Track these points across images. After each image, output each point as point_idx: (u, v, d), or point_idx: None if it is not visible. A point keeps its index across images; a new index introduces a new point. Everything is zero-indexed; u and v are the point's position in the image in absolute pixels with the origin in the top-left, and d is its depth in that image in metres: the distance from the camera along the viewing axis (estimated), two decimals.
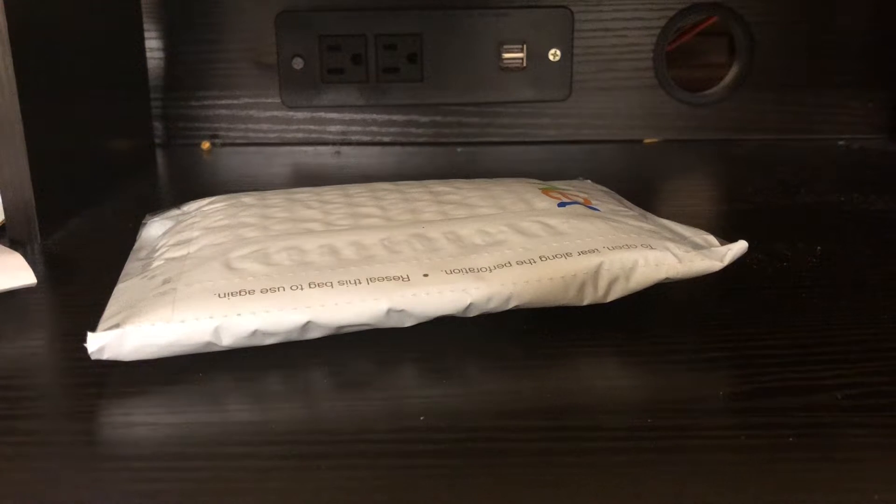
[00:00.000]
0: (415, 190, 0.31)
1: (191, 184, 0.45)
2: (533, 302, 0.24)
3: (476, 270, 0.24)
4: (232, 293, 0.23)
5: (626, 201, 0.32)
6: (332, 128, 0.54)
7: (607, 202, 0.30)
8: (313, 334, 0.23)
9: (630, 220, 0.28)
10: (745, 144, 0.53)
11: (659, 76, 0.53)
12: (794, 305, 0.27)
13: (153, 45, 0.51)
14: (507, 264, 0.24)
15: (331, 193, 0.31)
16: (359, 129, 0.54)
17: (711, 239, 0.27)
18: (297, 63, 0.52)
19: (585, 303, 0.25)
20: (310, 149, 0.53)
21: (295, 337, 0.23)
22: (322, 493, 0.18)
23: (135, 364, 0.22)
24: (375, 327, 0.24)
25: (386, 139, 0.54)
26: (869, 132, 0.54)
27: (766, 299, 0.28)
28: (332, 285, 0.23)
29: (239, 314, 0.22)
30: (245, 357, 0.23)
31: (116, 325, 0.22)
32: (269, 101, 0.53)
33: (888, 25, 0.52)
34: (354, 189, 0.31)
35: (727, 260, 0.26)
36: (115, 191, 0.42)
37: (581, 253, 0.25)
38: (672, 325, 0.26)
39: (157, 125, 0.53)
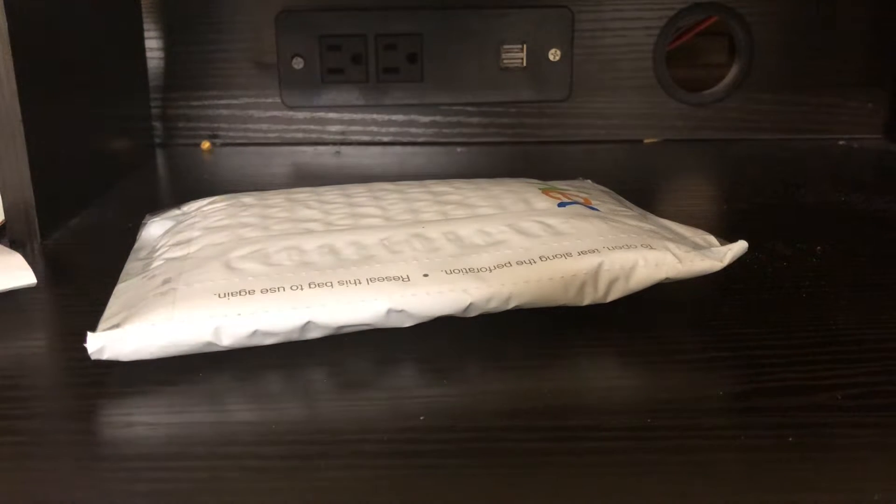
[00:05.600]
0: (415, 190, 0.31)
1: (191, 184, 0.45)
2: (533, 302, 0.24)
3: (476, 270, 0.24)
4: (232, 293, 0.23)
5: (626, 201, 0.32)
6: (332, 128, 0.54)
7: (607, 202, 0.30)
8: (313, 334, 0.23)
9: (630, 220, 0.28)
10: (745, 144, 0.53)
11: (659, 76, 0.53)
12: (795, 305, 0.27)
13: (153, 45, 0.51)
14: (507, 264, 0.24)
15: (331, 193, 0.31)
16: (359, 129, 0.54)
17: (711, 239, 0.27)
18: (297, 63, 0.52)
19: (585, 303, 0.25)
20: (310, 149, 0.53)
21: (295, 337, 0.23)
22: (322, 493, 0.18)
23: (135, 364, 0.22)
24: (375, 327, 0.24)
25: (386, 139, 0.54)
26: (869, 132, 0.54)
27: (766, 299, 0.28)
28: (332, 285, 0.23)
29: (239, 314, 0.22)
30: (245, 357, 0.23)
31: (116, 325, 0.22)
32: (269, 101, 0.53)
33: (888, 25, 0.52)
34: (354, 189, 0.31)
35: (727, 260, 0.26)
36: (115, 191, 0.42)
37: (581, 253, 0.25)
38: (672, 325, 0.26)
39: (157, 125, 0.53)
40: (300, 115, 0.53)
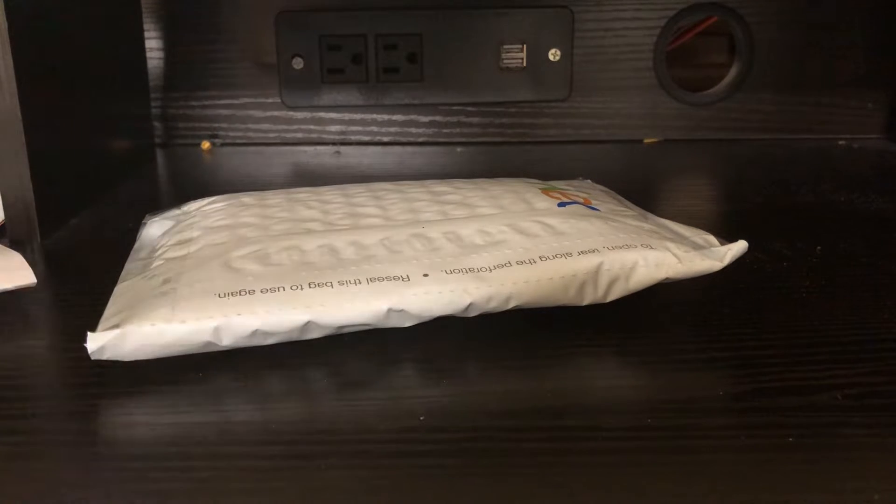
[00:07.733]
0: (415, 190, 0.31)
1: (191, 184, 0.45)
2: (533, 302, 0.24)
3: (476, 270, 0.24)
4: (232, 293, 0.23)
5: (626, 201, 0.32)
6: (332, 128, 0.54)
7: (607, 202, 0.30)
8: (313, 334, 0.23)
9: (630, 220, 0.28)
10: (745, 144, 0.53)
11: (659, 76, 0.53)
12: (795, 305, 0.27)
13: (153, 45, 0.51)
14: (507, 264, 0.24)
15: (331, 193, 0.31)
16: (359, 129, 0.54)
17: (711, 239, 0.27)
18: (297, 63, 0.52)
19: (585, 303, 0.25)
20: (310, 149, 0.53)
21: (295, 337, 0.23)
22: (322, 493, 0.18)
23: (135, 364, 0.22)
24: (375, 327, 0.24)
25: (386, 139, 0.54)
26: (869, 132, 0.54)
27: (766, 299, 0.28)
28: (332, 285, 0.23)
29: (239, 314, 0.22)
30: (245, 357, 0.23)
31: (116, 325, 0.22)
32: (269, 101, 0.53)
33: (888, 25, 0.52)
34: (354, 189, 0.31)
35: (727, 260, 0.26)
36: (115, 191, 0.42)
37: (581, 253, 0.25)
38: (672, 325, 0.26)
39: (157, 125, 0.53)
40: (300, 115, 0.53)
